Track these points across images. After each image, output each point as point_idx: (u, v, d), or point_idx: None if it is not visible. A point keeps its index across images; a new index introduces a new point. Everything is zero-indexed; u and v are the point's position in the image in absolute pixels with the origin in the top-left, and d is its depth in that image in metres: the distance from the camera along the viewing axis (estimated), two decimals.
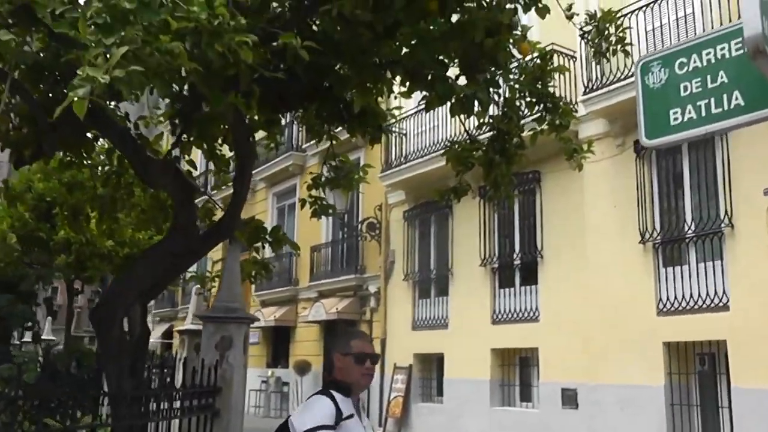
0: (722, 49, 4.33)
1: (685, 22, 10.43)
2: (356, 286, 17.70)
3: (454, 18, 5.07)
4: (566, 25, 5.96)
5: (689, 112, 4.41)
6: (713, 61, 4.37)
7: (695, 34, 10.07)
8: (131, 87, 2.81)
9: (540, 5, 5.04)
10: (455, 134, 13.41)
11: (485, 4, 5.11)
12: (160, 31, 3.17)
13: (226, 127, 5.39)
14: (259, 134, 6.21)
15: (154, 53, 3.00)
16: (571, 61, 11.91)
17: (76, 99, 2.63)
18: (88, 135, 5.37)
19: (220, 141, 5.76)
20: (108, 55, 2.81)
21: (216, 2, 3.40)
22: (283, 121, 9.14)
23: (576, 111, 11.67)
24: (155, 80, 3.09)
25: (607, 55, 5.65)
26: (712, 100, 4.31)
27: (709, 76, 4.35)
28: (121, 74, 2.71)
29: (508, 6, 5.07)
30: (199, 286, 9.60)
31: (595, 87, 11.40)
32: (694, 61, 4.45)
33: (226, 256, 6.01)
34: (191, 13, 3.28)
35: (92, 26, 3.01)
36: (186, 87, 4.69)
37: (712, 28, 9.72)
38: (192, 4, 3.34)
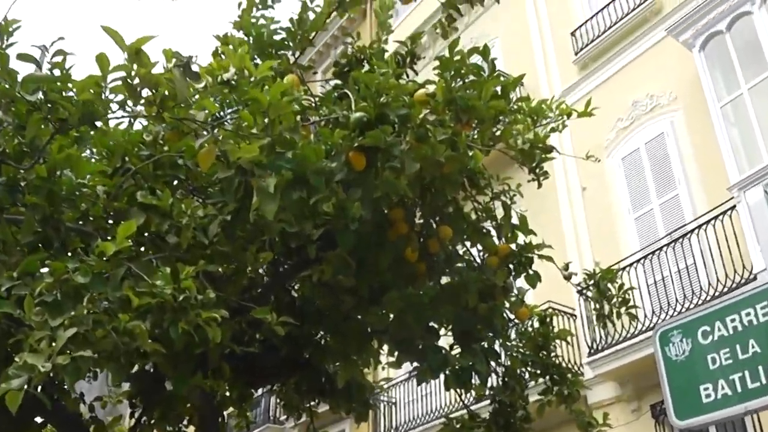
0: (748, 315, 4.27)
1: (688, 273, 10.64)
2: None
3: (444, 281, 5.11)
4: (563, 280, 6.00)
5: (722, 388, 4.23)
6: (740, 328, 4.27)
7: (700, 287, 10.23)
8: (78, 375, 2.66)
9: (530, 272, 5.10)
10: (451, 403, 13.16)
11: (476, 265, 5.18)
12: (119, 309, 3.10)
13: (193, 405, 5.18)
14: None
15: (110, 334, 2.90)
16: (572, 320, 11.96)
17: (9, 391, 2.46)
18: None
19: (186, 422, 5.50)
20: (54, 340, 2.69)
21: (183, 274, 3.36)
22: (260, 391, 8.91)
23: (582, 374, 11.59)
24: (109, 365, 2.95)
25: (612, 318, 5.63)
26: (747, 373, 4.14)
27: (738, 346, 4.23)
28: (65, 361, 2.58)
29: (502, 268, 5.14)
30: None
31: (600, 348, 11.33)
32: (719, 330, 4.36)
33: None
34: (155, 287, 3.22)
35: (39, 305, 2.93)
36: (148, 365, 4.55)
37: (717, 281, 9.95)
38: (156, 277, 3.30)
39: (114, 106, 3.37)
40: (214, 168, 3.52)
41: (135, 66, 3.18)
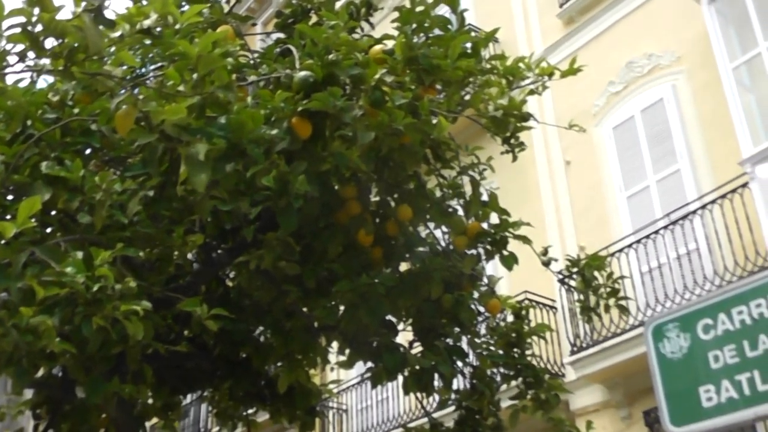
0: (758, 306, 4.29)
1: (689, 260, 10.79)
2: None
3: (404, 268, 5.17)
4: (542, 267, 6.09)
5: (726, 390, 4.27)
6: (749, 322, 4.30)
7: (704, 276, 10.41)
8: None
9: (505, 253, 5.17)
10: (411, 410, 13.27)
11: (441, 250, 5.25)
12: (21, 302, 3.11)
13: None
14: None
15: (10, 332, 2.92)
16: (552, 313, 12.14)
17: None
18: None
19: None
20: None
21: (97, 259, 3.38)
22: (188, 398, 8.87)
23: (563, 376, 11.78)
24: (8, 369, 2.97)
25: (599, 311, 5.74)
26: (756, 373, 4.18)
27: (746, 342, 4.26)
28: None
29: (470, 252, 5.22)
30: None
31: (584, 345, 11.51)
32: (723, 323, 4.40)
33: None
34: (64, 276, 3.24)
35: None
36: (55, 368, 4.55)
37: (725, 269, 10.14)
38: (65, 263, 3.31)
39: (12, 60, 3.34)
40: (134, 134, 3.52)
41: (36, 11, 3.16)
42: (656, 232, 11.16)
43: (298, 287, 4.71)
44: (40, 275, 3.20)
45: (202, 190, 3.30)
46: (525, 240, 5.29)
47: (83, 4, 3.26)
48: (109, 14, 3.38)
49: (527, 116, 5.11)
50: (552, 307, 12.21)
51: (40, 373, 4.52)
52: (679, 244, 10.92)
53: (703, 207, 10.62)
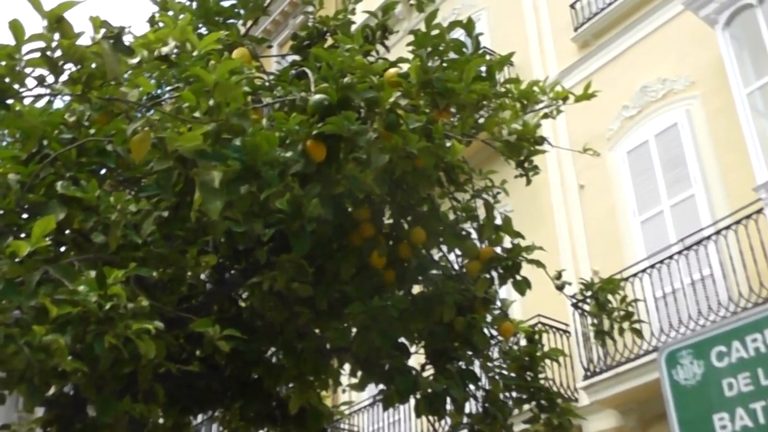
0: None
1: (704, 286, 10.74)
2: None
3: (416, 291, 5.17)
4: (556, 290, 6.07)
5: (741, 419, 4.27)
6: (763, 349, 4.30)
7: (718, 302, 10.35)
8: None
9: (518, 278, 5.16)
10: None
11: (454, 273, 5.25)
12: (34, 320, 3.12)
13: None
14: None
15: (23, 350, 2.92)
16: (565, 337, 12.09)
17: None
18: None
19: None
20: None
21: (110, 278, 3.38)
22: (199, 418, 8.85)
23: (576, 401, 11.72)
24: (20, 386, 2.97)
25: (613, 335, 5.72)
26: None
27: (760, 370, 4.26)
28: None
29: (483, 275, 5.21)
30: None
31: (598, 370, 11.46)
32: (737, 351, 4.40)
33: None
34: (77, 294, 3.25)
35: None
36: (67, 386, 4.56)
37: (739, 295, 10.08)
38: (78, 282, 3.33)
39: (31, 82, 3.38)
40: (150, 157, 3.54)
41: (56, 36, 3.20)
42: (670, 257, 11.11)
43: (310, 308, 4.71)
44: (53, 293, 3.22)
45: (216, 217, 3.31)
46: (538, 264, 5.29)
47: (103, 30, 3.29)
48: (129, 39, 3.41)
49: (541, 140, 5.12)
50: (565, 331, 12.16)
51: (52, 391, 4.53)
52: (694, 269, 10.86)
53: (718, 233, 10.58)
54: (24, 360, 2.93)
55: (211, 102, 3.40)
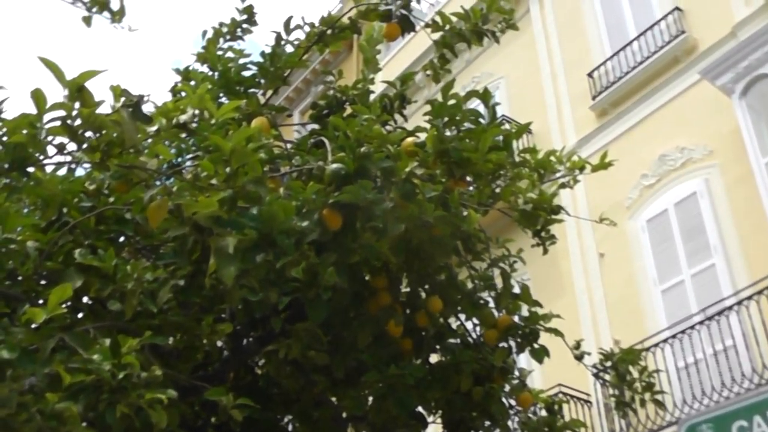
0: None
1: (726, 357, 10.62)
2: None
3: (434, 360, 5.13)
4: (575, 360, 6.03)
5: None
6: None
7: (742, 373, 10.20)
8: None
9: (536, 346, 5.12)
10: None
11: (472, 342, 5.21)
12: (47, 388, 3.11)
13: None
14: None
15: (35, 417, 2.91)
16: (587, 407, 11.93)
17: None
18: None
19: None
20: None
21: (125, 347, 3.38)
22: None
23: None
24: None
25: (635, 406, 5.64)
26: None
27: None
28: None
29: (501, 344, 5.16)
30: None
31: None
32: (759, 426, 4.37)
33: None
34: (91, 363, 3.24)
35: None
36: None
37: (763, 366, 9.93)
38: (93, 350, 3.32)
39: (51, 150, 3.41)
40: (166, 224, 3.57)
41: (77, 105, 3.24)
42: (692, 327, 11.03)
43: (326, 377, 4.67)
44: (67, 361, 3.21)
45: (230, 283, 3.31)
46: (556, 332, 5.24)
47: (122, 99, 3.34)
48: (149, 107, 3.45)
49: (557, 210, 5.11)
50: (587, 402, 12.01)
51: None
52: (716, 339, 10.76)
53: (740, 303, 10.50)
54: (36, 428, 2.91)
55: (227, 170, 3.42)
